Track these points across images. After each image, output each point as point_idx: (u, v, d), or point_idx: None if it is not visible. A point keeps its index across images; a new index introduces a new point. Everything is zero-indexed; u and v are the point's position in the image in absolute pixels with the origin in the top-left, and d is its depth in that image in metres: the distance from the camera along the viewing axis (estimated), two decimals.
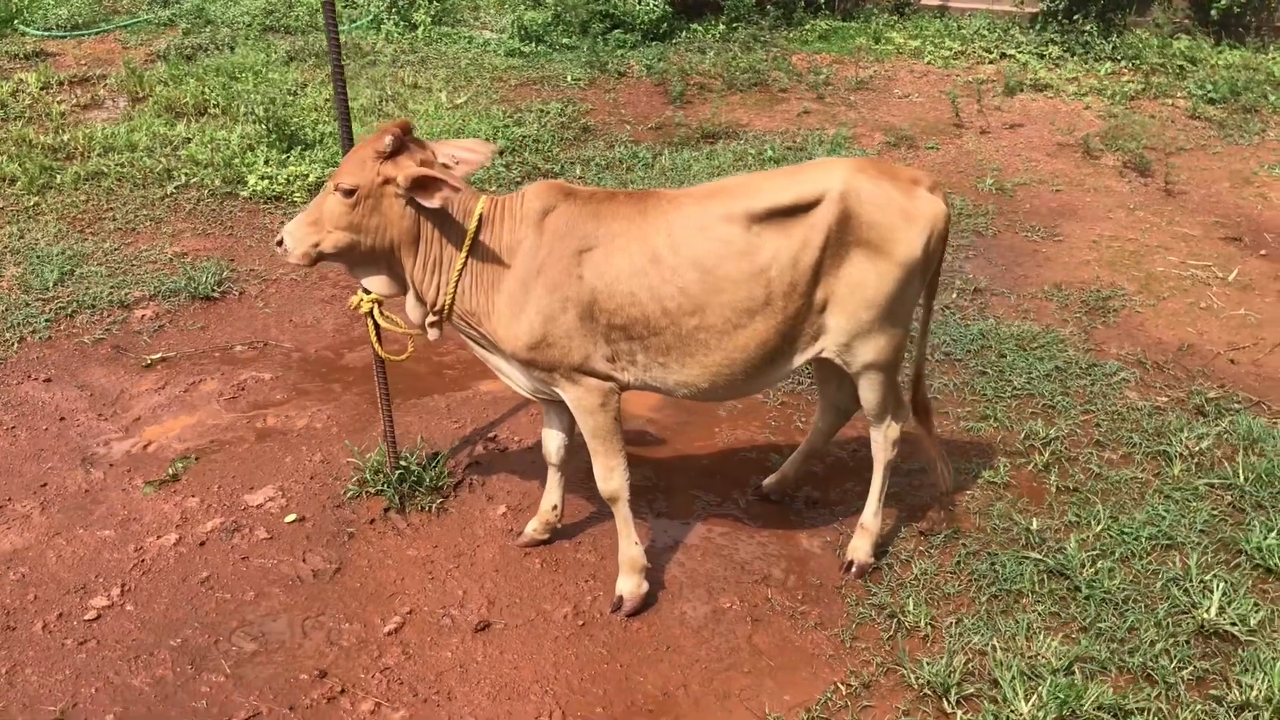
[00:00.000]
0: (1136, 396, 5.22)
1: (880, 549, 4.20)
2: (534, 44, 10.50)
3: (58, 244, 6.36)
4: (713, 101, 9.31)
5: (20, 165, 7.22)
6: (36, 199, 6.92)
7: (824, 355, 3.80)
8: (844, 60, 10.41)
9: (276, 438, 4.79)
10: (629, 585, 3.94)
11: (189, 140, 7.86)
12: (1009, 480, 4.64)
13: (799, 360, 3.78)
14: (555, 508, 4.20)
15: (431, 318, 3.75)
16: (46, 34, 10.38)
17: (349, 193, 3.54)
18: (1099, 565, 4.10)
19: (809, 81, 9.73)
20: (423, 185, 3.49)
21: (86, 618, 3.81)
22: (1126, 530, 4.30)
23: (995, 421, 5.01)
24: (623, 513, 3.92)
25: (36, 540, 4.17)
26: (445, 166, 3.67)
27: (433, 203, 3.51)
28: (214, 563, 4.08)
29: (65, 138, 7.79)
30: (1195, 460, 4.71)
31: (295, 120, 8.07)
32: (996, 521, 4.38)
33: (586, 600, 3.97)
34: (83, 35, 10.46)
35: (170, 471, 4.53)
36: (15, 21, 10.47)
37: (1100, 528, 4.31)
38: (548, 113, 8.76)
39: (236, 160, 7.46)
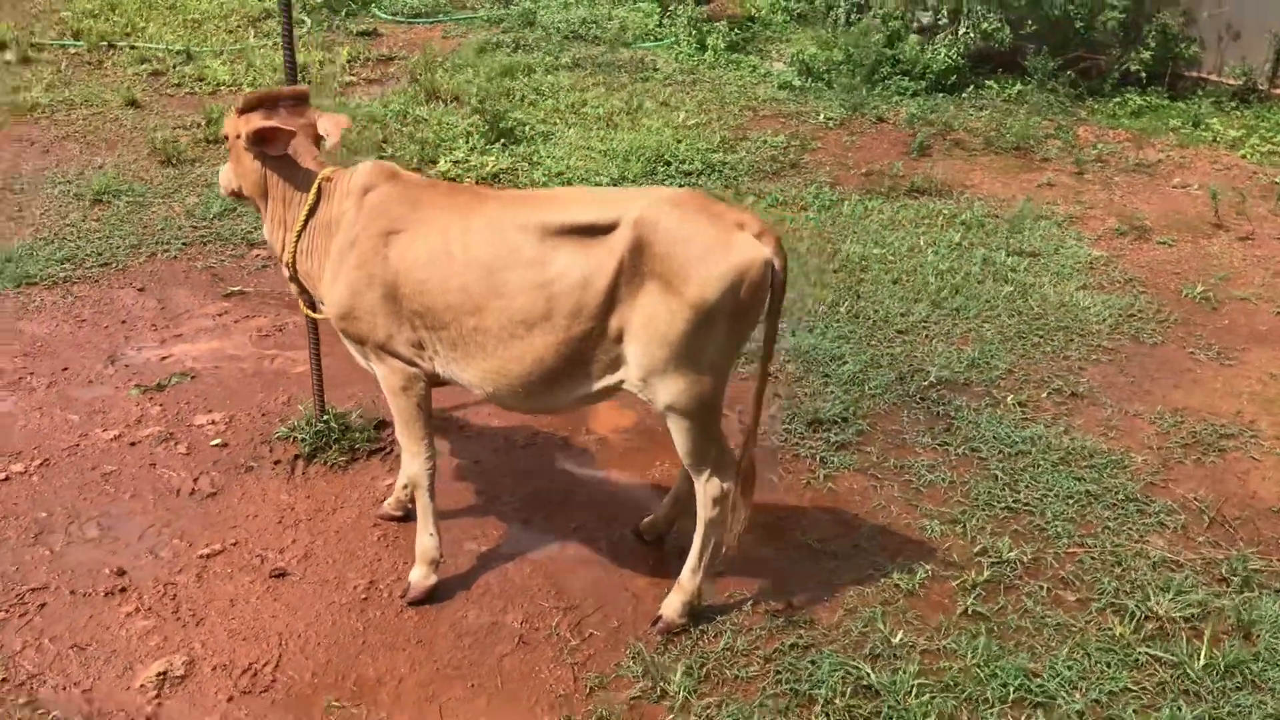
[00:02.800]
0: (1161, 545, 4.44)
1: (699, 611, 3.94)
2: (811, 80, 10.45)
3: None
4: (956, 159, 8.82)
5: None
6: None
7: (626, 388, 3.66)
8: (1141, 139, 9.42)
9: (266, 376, 5.28)
10: (416, 574, 3.99)
11: (423, 120, 8.66)
12: (916, 589, 4.15)
13: (596, 386, 3.66)
14: (406, 487, 4.32)
15: (286, 272, 4.03)
16: (390, 18, 11.78)
17: (224, 141, 3.92)
18: (924, 699, 3.59)
19: (1079, 156, 8.93)
20: (265, 138, 3.77)
21: None
22: (997, 674, 3.72)
23: (960, 529, 4.48)
24: (422, 500, 3.97)
25: (20, 408, 4.90)
26: (320, 136, 3.94)
27: (275, 151, 3.78)
28: (126, 462, 4.60)
29: (328, 102, 8.85)
30: (1159, 626, 3.96)
31: (517, 118, 8.64)
32: (859, 624, 3.95)
33: (388, 579, 4.07)
34: (415, 22, 11.76)
35: (159, 382, 5.14)
36: (373, 5, 11.97)
37: (969, 661, 3.76)
38: (766, 144, 8.74)
39: (445, 143, 8.12)
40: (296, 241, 3.89)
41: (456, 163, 7.82)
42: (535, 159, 8.03)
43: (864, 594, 4.13)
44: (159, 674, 3.57)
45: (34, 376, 5.15)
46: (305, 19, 11.28)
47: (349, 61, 10.17)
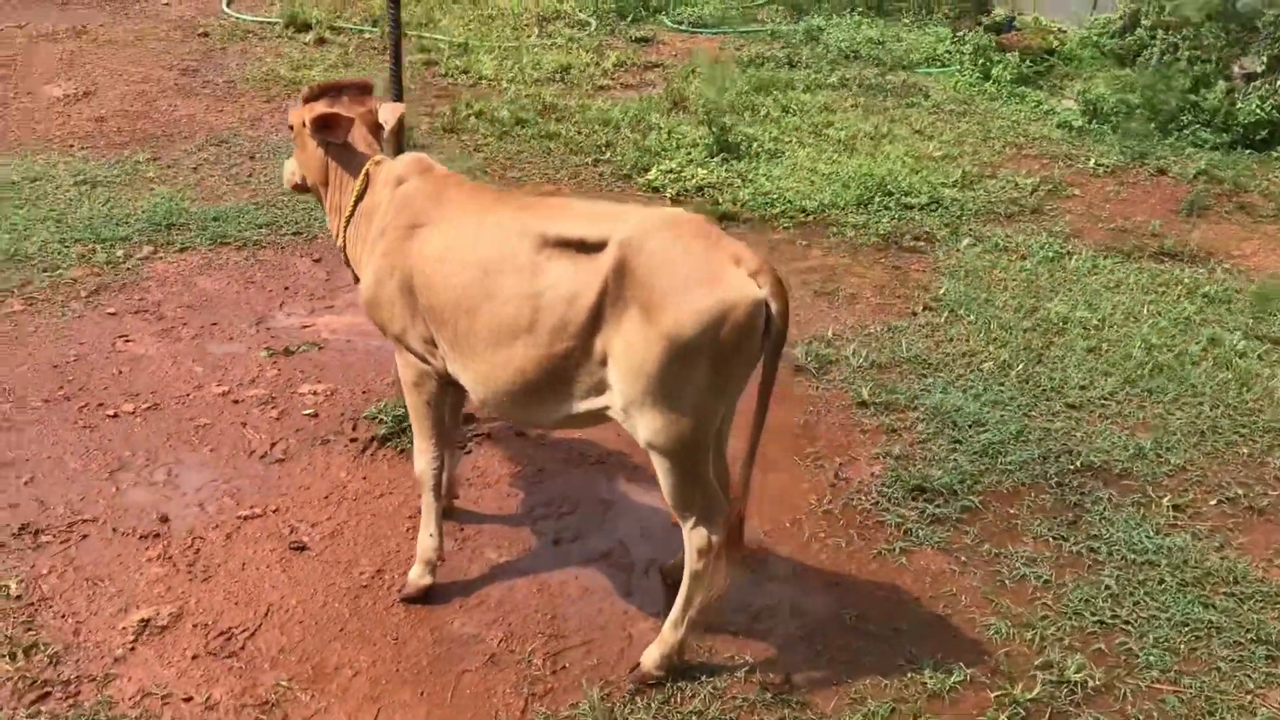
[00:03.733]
0: (1278, 703, 3.72)
1: (678, 667, 3.68)
2: (1094, 122, 9.58)
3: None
4: (1233, 223, 7.81)
5: (516, 115, 8.57)
6: (495, 141, 8.23)
7: (611, 415, 3.48)
8: None
9: (387, 356, 5.44)
10: (413, 573, 3.98)
11: (655, 127, 8.68)
12: (944, 692, 3.69)
13: (579, 408, 3.50)
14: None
15: (343, 257, 4.13)
16: (675, 26, 11.91)
17: (291, 129, 4.07)
18: None
19: None
20: (326, 124, 3.87)
21: (107, 413, 4.85)
22: None
23: (1030, 635, 3.95)
24: (426, 499, 3.95)
25: (159, 354, 5.32)
26: (379, 125, 4.01)
27: (336, 138, 3.88)
28: (221, 417, 4.88)
29: (574, 103, 9.07)
30: None
31: (747, 133, 8.49)
32: (854, 706, 3.57)
33: (397, 571, 4.08)
34: (699, 32, 11.82)
35: (287, 348, 5.43)
36: (661, 14, 12.16)
37: None
38: (1013, 184, 8.11)
39: (665, 152, 8.10)
40: (346, 227, 3.96)
41: (666, 172, 7.77)
42: (750, 176, 7.84)
43: (880, 685, 3.72)
44: (142, 620, 3.75)
45: (185, 327, 5.57)
46: (591, 21, 11.61)
47: (615, 66, 10.35)
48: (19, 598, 3.80)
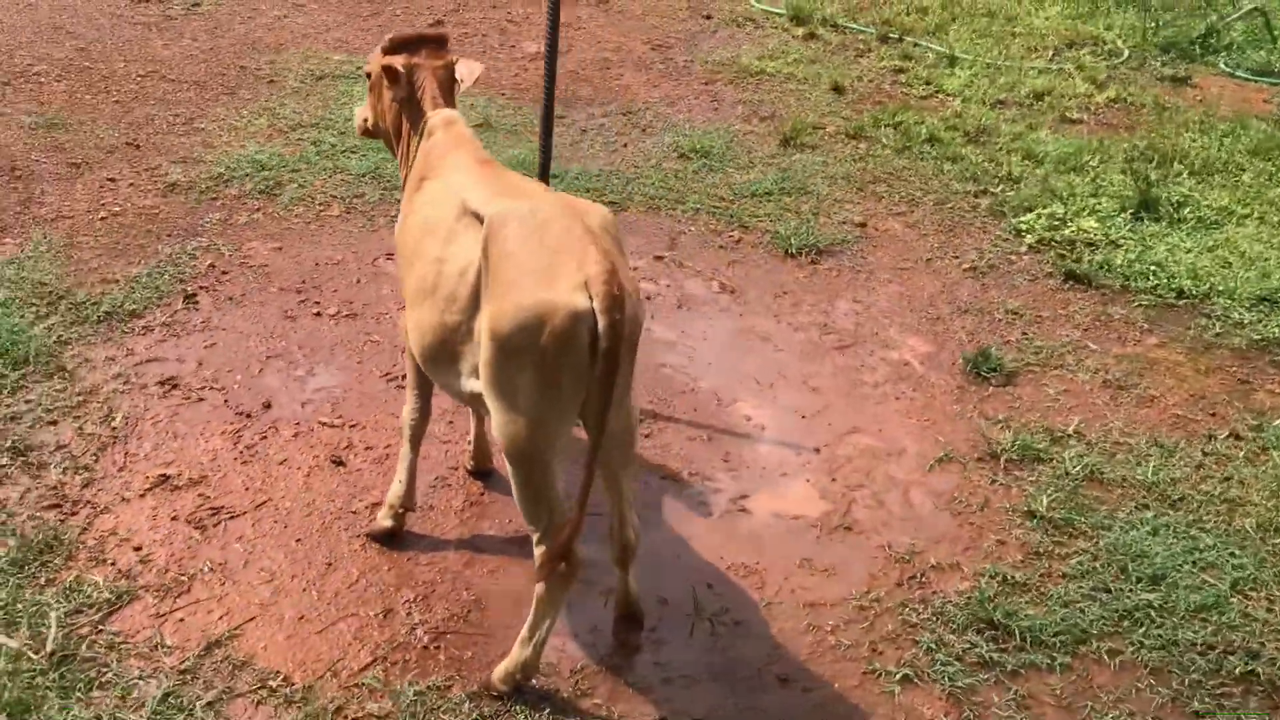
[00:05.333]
0: None
1: (522, 686, 3.48)
2: None
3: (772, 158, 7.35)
4: None
5: (932, 132, 8.05)
6: (887, 153, 7.81)
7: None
8: None
9: None
10: (379, 514, 4.11)
11: (1082, 169, 7.67)
12: None
13: (467, 387, 3.42)
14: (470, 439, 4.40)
15: None
16: (1230, 72, 10.29)
17: (368, 77, 4.29)
18: None
19: None
20: (391, 76, 4.07)
21: (313, 311, 5.51)
22: None
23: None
24: (402, 449, 4.06)
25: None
26: (456, 80, 4.10)
27: (398, 91, 4.06)
28: (390, 337, 5.33)
29: (1012, 129, 8.28)
30: None
31: (1183, 191, 7.23)
32: None
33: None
34: (1258, 80, 10.08)
35: None
36: (1220, 55, 10.56)
37: None
38: None
39: (1073, 197, 7.16)
40: (407, 177, 4.14)
41: (1049, 216, 6.85)
42: (1151, 241, 6.65)
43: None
44: (163, 476, 4.29)
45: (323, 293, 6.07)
46: (1125, 51, 10.41)
47: (1109, 101, 9.23)
48: (114, 429, 4.52)
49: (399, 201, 6.32)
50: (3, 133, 6.95)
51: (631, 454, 3.45)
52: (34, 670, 3.40)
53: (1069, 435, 4.96)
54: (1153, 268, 6.40)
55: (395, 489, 4.08)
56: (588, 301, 2.98)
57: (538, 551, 3.30)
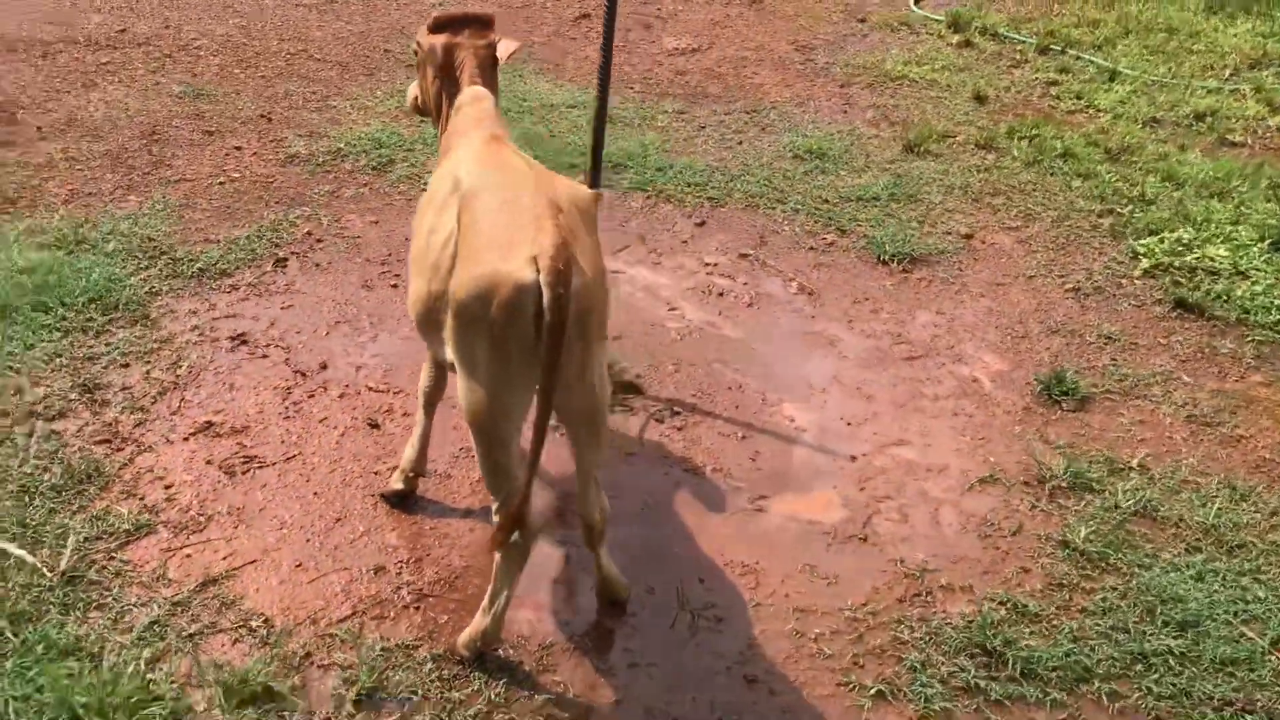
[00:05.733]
0: None
1: (482, 652, 3.56)
2: None
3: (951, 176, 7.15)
4: None
5: (1067, 148, 7.70)
6: (1015, 166, 7.51)
7: None
8: None
9: (641, 299, 5.60)
10: (394, 475, 4.25)
11: (1238, 199, 7.19)
12: None
13: (447, 354, 3.48)
14: None
15: None
16: None
17: (415, 55, 4.40)
18: None
19: None
20: (429, 54, 4.18)
21: (391, 283, 5.72)
22: None
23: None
24: (417, 415, 4.18)
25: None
26: (495, 60, 4.17)
27: (433, 69, 4.16)
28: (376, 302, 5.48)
29: (1160, 149, 7.84)
30: None
31: None
32: None
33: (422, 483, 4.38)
34: None
35: None
36: None
37: None
38: None
39: (1206, 224, 6.73)
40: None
41: (1174, 242, 6.46)
42: None
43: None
44: (208, 423, 4.55)
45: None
46: None
47: None
48: (178, 376, 4.82)
49: None
50: (154, 100, 7.47)
51: (598, 435, 3.45)
52: (43, 586, 3.66)
53: (1131, 467, 4.69)
54: (1274, 302, 5.97)
55: (408, 453, 4.20)
56: (534, 275, 3.01)
57: (495, 521, 3.35)
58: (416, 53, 4.29)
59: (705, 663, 3.67)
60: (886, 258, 6.25)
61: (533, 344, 3.07)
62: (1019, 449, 4.79)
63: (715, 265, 6.12)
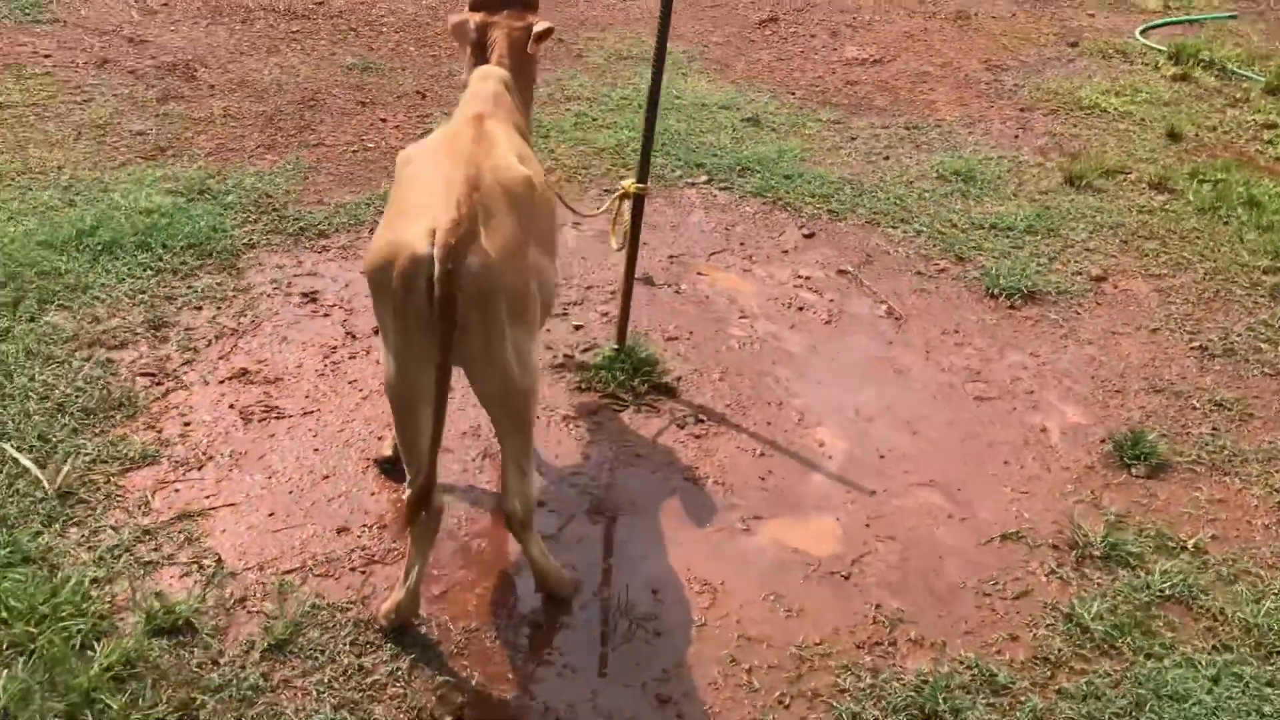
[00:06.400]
0: None
1: (397, 625, 3.60)
2: None
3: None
4: None
5: (1252, 192, 7.03)
6: (1145, 203, 6.91)
7: None
8: None
9: (720, 303, 5.49)
10: (385, 442, 4.33)
11: None
12: None
13: None
14: None
15: None
16: None
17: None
18: None
19: None
20: (457, 31, 4.20)
21: None
22: None
23: None
24: None
25: (582, 247, 6.11)
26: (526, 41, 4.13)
27: (460, 46, 4.19)
28: None
29: None
30: None
31: None
32: None
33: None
34: None
35: (648, 275, 5.76)
36: None
37: None
38: None
39: None
40: None
41: None
42: None
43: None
44: (244, 370, 4.77)
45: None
46: None
47: None
48: (239, 324, 5.09)
49: (620, 176, 6.54)
50: (324, 70, 7.90)
51: (516, 423, 3.38)
52: (37, 497, 3.94)
53: (1184, 547, 4.22)
54: None
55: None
56: (429, 247, 2.99)
57: (405, 494, 3.36)
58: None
59: (623, 673, 3.56)
60: (997, 291, 5.86)
61: (428, 318, 3.06)
62: (1061, 509, 4.39)
63: (808, 279, 5.91)
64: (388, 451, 4.28)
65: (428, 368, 3.16)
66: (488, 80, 3.91)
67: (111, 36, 7.94)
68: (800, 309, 5.63)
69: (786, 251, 6.16)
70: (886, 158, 7.37)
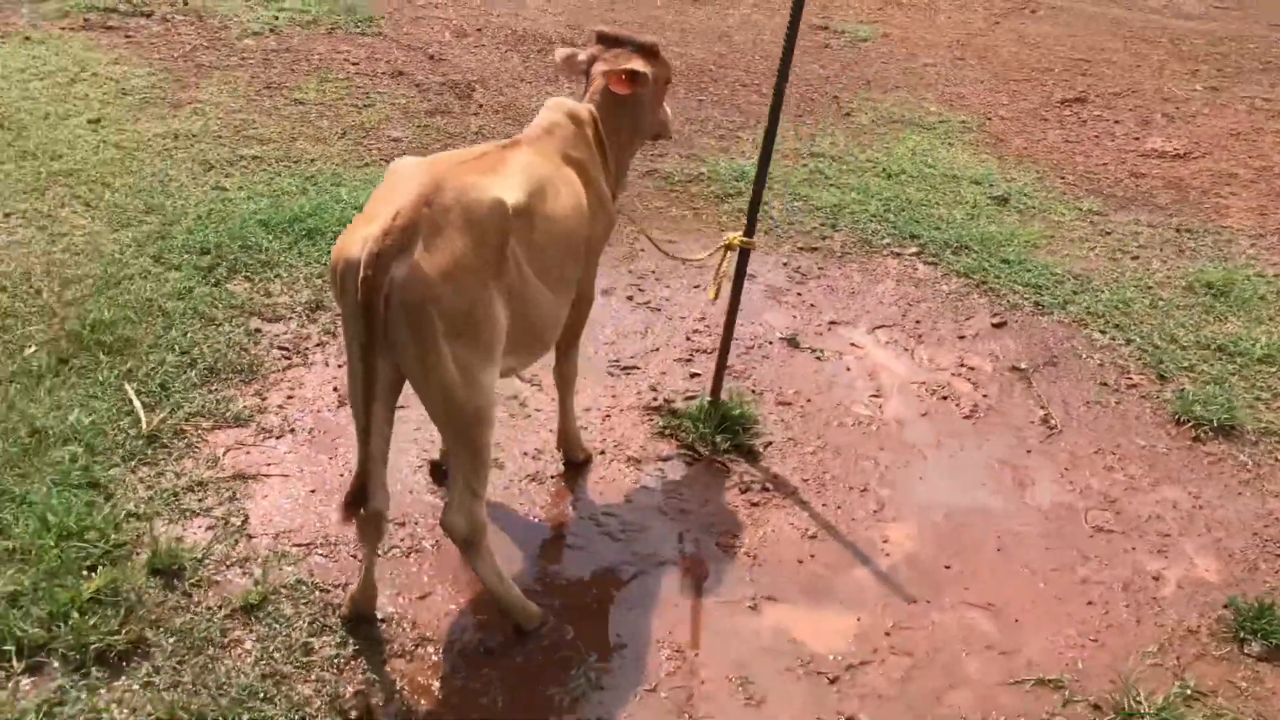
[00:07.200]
0: None
1: (363, 614, 3.75)
2: None
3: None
4: None
5: None
6: None
7: None
8: None
9: (847, 370, 5.26)
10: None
11: None
12: None
13: None
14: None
15: None
16: None
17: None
18: None
19: None
20: (563, 62, 4.29)
21: None
22: None
23: None
24: None
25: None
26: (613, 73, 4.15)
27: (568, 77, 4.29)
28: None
29: None
30: None
31: None
32: None
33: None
34: None
35: (794, 337, 5.60)
36: None
37: None
38: None
39: None
40: None
41: None
42: None
43: None
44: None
45: (803, 293, 6.05)
46: None
47: None
48: None
49: (824, 236, 6.41)
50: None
51: (461, 439, 3.38)
52: (131, 434, 4.43)
53: None
54: None
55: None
56: (356, 252, 3.09)
57: None
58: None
59: (537, 711, 3.48)
60: (1185, 419, 5.17)
61: (355, 319, 3.16)
62: (1127, 669, 3.82)
63: (971, 369, 5.49)
64: (436, 457, 4.43)
65: (357, 369, 3.26)
66: (551, 110, 3.99)
67: (416, 53, 8.73)
68: (944, 398, 5.25)
69: (963, 337, 5.75)
70: (1135, 258, 6.69)
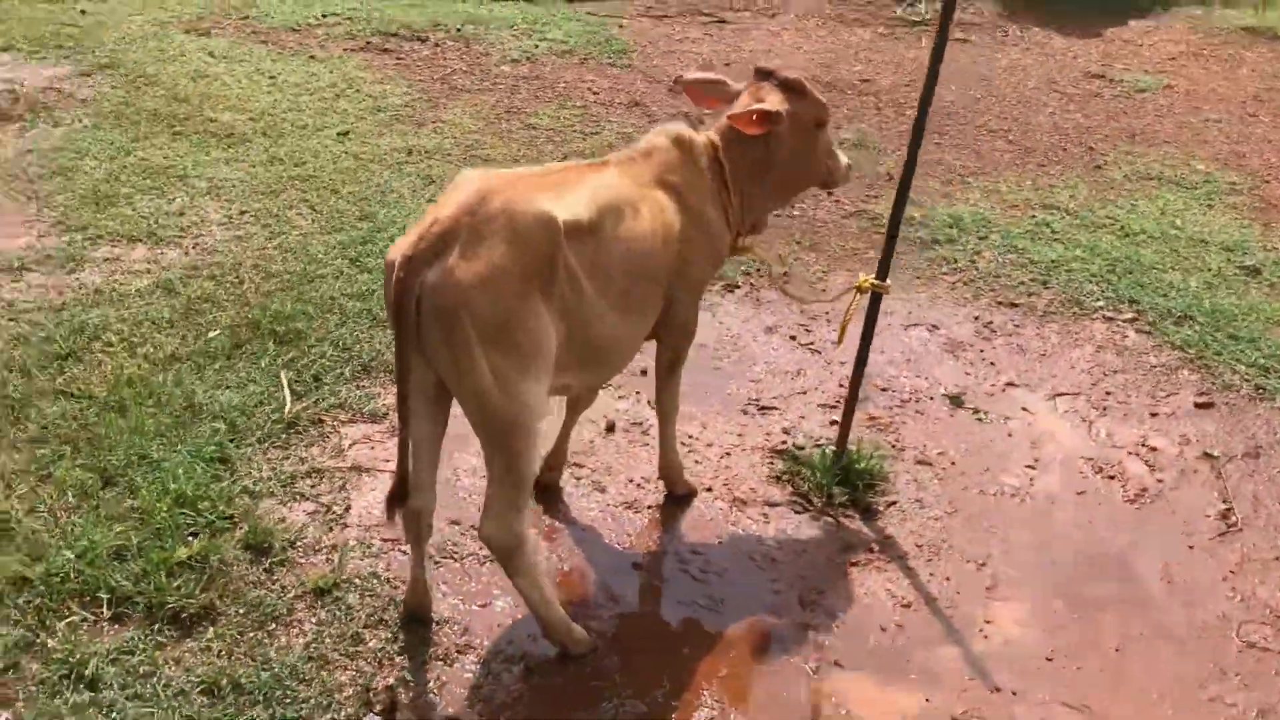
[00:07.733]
0: None
1: (415, 615, 3.85)
2: None
3: None
4: None
5: None
6: None
7: None
8: None
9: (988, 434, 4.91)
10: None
11: None
12: None
13: None
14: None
15: None
16: None
17: None
18: None
19: None
20: (718, 87, 4.24)
21: None
22: None
23: None
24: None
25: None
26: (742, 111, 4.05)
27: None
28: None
29: None
30: None
31: None
32: None
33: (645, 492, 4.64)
34: None
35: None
36: None
37: None
38: None
39: None
40: None
41: None
42: None
43: None
44: None
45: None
46: None
47: None
48: None
49: (1030, 292, 6.02)
50: None
51: (497, 447, 3.34)
52: (274, 419, 4.75)
53: None
54: None
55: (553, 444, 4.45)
56: (393, 255, 3.16)
57: None
58: None
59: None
60: None
61: (394, 323, 3.24)
62: None
63: (1153, 450, 4.97)
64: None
65: (396, 367, 3.34)
66: (655, 134, 3.98)
67: (658, 85, 8.88)
68: (1110, 477, 4.77)
69: (1155, 415, 5.20)
70: None
